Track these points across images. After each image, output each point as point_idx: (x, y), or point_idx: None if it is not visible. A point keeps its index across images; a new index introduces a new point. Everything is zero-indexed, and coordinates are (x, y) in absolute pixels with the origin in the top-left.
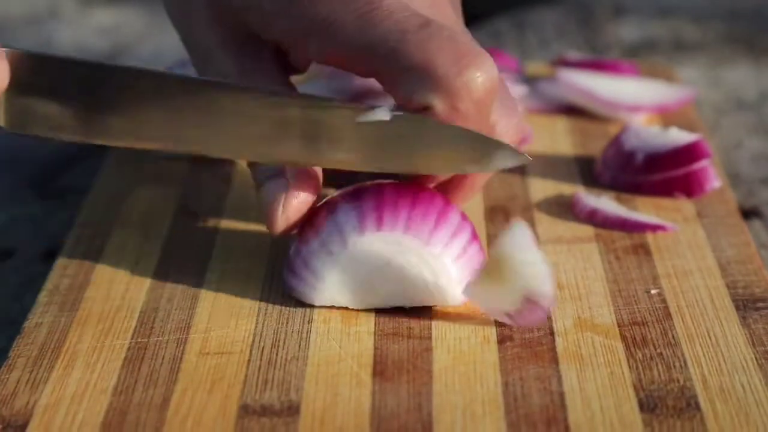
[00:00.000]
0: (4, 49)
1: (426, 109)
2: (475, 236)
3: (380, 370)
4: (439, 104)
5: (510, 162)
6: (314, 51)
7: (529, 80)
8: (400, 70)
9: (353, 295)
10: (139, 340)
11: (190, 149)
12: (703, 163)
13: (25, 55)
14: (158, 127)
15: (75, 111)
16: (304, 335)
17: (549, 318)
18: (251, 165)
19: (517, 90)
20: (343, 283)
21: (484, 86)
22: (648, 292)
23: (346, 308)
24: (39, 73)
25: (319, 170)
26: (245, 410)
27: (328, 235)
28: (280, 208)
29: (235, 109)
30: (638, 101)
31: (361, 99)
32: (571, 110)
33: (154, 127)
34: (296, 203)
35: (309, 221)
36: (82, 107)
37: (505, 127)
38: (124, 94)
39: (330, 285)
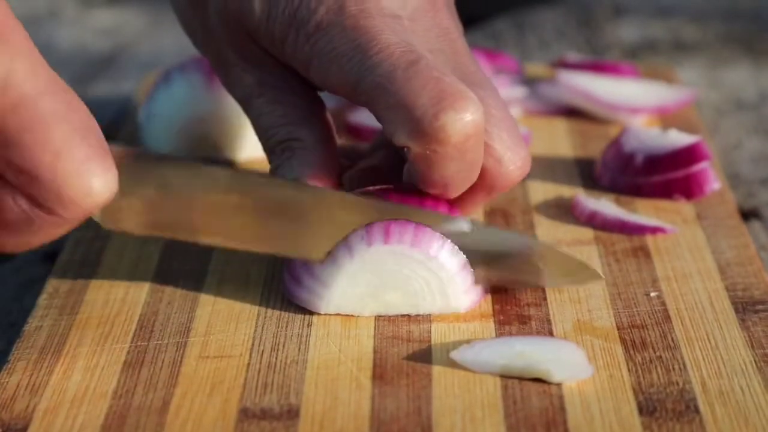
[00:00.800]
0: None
1: (406, 149)
2: (462, 269)
3: (380, 373)
4: (417, 147)
5: (587, 282)
6: (314, 78)
7: (529, 82)
8: (383, 107)
9: (358, 303)
10: (139, 343)
11: (276, 250)
12: (702, 165)
13: (123, 152)
14: (243, 227)
15: (161, 209)
16: (304, 339)
17: (548, 321)
18: (274, 173)
19: (517, 92)
20: (348, 292)
21: (463, 130)
22: (647, 294)
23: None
24: (134, 170)
25: (336, 179)
26: (245, 414)
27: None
28: None
29: (317, 209)
30: (638, 103)
31: None
32: (571, 112)
33: (238, 227)
34: None
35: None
36: (168, 205)
37: (511, 160)
38: (209, 194)
39: (335, 294)
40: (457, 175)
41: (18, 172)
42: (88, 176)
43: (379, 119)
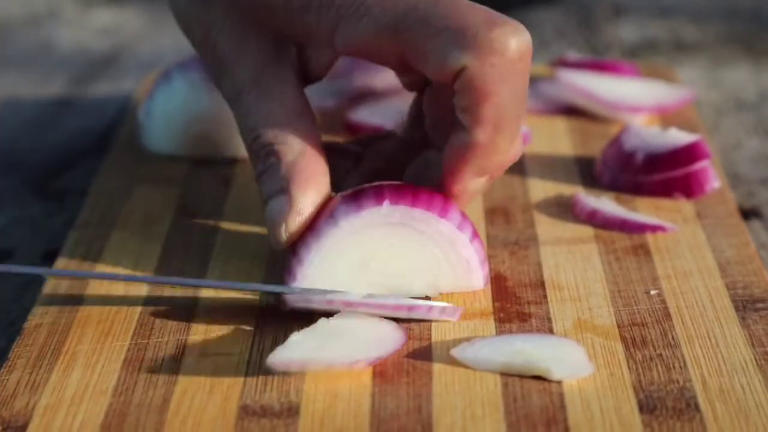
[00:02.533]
0: None
1: (461, 72)
2: (476, 234)
3: (380, 371)
4: (473, 62)
5: None
6: (341, 41)
7: (529, 81)
8: (431, 35)
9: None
10: (139, 341)
11: None
12: (702, 164)
13: None
14: None
15: None
16: None
17: (549, 319)
18: (258, 180)
19: None
20: (341, 267)
21: (517, 44)
22: (648, 292)
23: None
24: None
25: (324, 184)
26: (245, 411)
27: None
28: (283, 225)
29: None
30: (638, 102)
31: (361, 99)
32: (571, 111)
33: None
34: (298, 220)
35: (310, 226)
36: None
37: (507, 140)
38: None
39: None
40: (508, 107)
41: None
42: None
43: (423, 54)
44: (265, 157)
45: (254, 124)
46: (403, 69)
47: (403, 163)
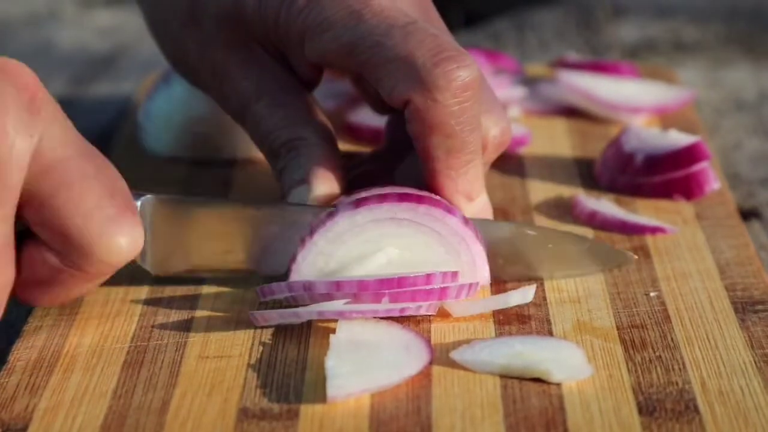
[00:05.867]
0: (140, 203)
1: (408, 103)
2: (479, 234)
3: None
4: (417, 97)
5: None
6: (308, 53)
7: (529, 82)
8: (382, 63)
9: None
10: (139, 343)
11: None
12: (702, 165)
13: (160, 201)
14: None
15: (204, 252)
16: (303, 338)
17: (548, 321)
18: (279, 175)
19: (517, 92)
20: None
21: (462, 79)
22: (647, 294)
23: None
24: (174, 216)
25: (341, 179)
26: (245, 414)
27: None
28: None
29: None
30: (638, 103)
31: (361, 101)
32: (571, 112)
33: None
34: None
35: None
36: (209, 247)
37: (490, 126)
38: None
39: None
40: (457, 137)
41: (49, 231)
42: (115, 235)
43: (376, 80)
44: (286, 153)
45: (270, 127)
46: (364, 88)
47: (385, 177)
